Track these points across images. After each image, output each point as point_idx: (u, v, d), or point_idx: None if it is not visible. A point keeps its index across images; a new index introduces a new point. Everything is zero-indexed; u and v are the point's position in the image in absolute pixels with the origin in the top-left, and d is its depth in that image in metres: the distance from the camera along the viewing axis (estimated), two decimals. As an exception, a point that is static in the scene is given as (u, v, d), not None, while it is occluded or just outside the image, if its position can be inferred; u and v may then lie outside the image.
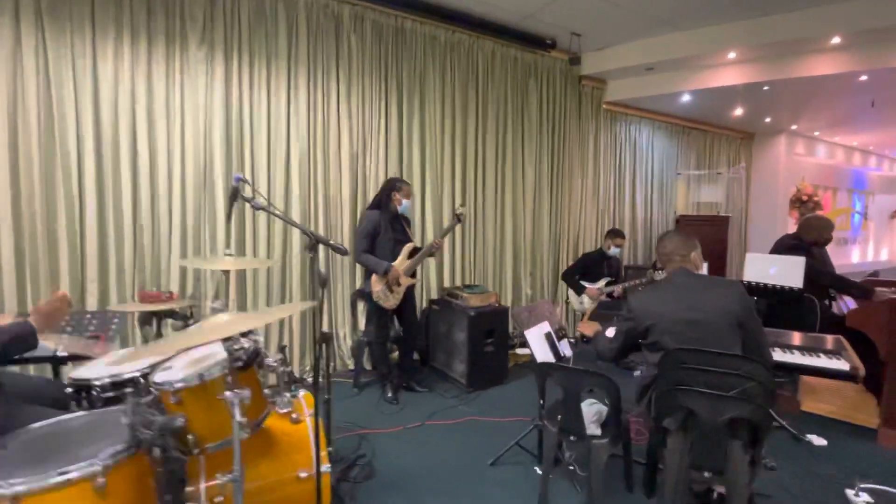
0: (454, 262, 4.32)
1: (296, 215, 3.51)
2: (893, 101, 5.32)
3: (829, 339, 2.29)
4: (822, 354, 2.15)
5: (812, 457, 2.56)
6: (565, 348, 2.46)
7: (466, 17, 4.03)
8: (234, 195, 1.58)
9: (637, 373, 2.49)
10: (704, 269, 2.25)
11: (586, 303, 4.36)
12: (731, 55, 4.45)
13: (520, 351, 4.30)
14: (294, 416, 1.79)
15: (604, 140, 5.49)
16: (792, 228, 7.24)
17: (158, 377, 1.45)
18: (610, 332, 2.67)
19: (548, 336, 2.37)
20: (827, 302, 3.20)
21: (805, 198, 7.55)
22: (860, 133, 7.80)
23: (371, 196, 3.66)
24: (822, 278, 3.10)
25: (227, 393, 1.20)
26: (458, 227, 4.28)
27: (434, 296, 4.12)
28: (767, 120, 6.56)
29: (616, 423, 1.95)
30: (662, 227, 6.37)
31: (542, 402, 2.17)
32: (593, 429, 2.01)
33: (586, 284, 4.38)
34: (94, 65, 2.83)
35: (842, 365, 2.04)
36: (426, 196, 4.11)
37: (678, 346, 1.79)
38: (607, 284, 4.37)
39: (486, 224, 4.53)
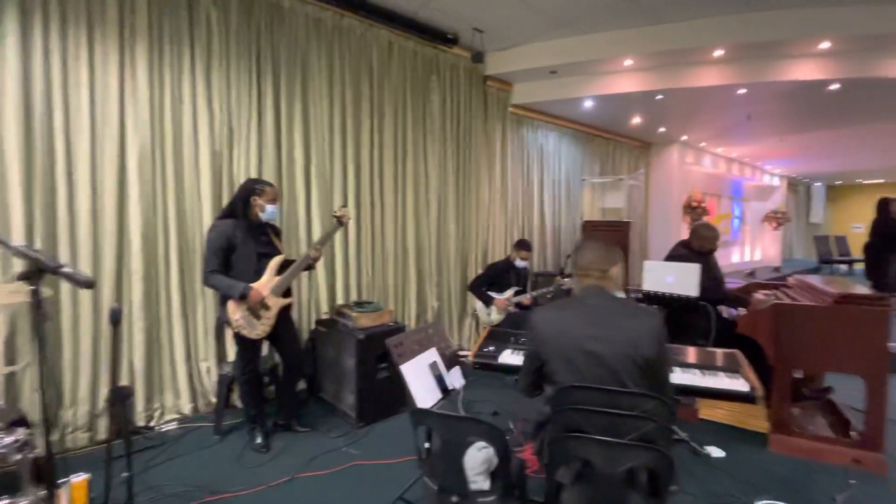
0: (348, 275, 3.82)
1: (135, 226, 2.81)
2: (767, 114, 5.80)
3: (726, 355, 2.19)
4: (721, 374, 2.02)
5: (711, 472, 2.46)
6: (455, 379, 2.11)
7: (356, 0, 3.59)
8: None
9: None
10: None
11: (494, 315, 4.11)
12: (628, 62, 4.49)
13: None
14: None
15: (511, 144, 5.33)
16: (685, 233, 7.77)
17: None
18: (505, 355, 2.39)
19: (433, 367, 1.99)
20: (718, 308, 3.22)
21: (695, 204, 8.13)
22: (738, 145, 8.59)
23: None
24: (704, 293, 3.08)
25: None
26: (353, 236, 3.84)
27: (325, 315, 3.60)
28: (662, 130, 6.91)
29: (505, 476, 1.61)
30: (571, 234, 6.41)
31: (424, 451, 1.78)
32: (481, 481, 1.66)
33: (494, 295, 4.14)
34: None
35: (742, 385, 1.91)
36: (312, 201, 3.58)
37: (574, 383, 1.49)
38: (516, 294, 4.16)
39: (386, 231, 4.10)
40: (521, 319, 3.79)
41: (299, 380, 3.06)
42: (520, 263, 4.21)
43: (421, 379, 1.87)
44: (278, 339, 2.73)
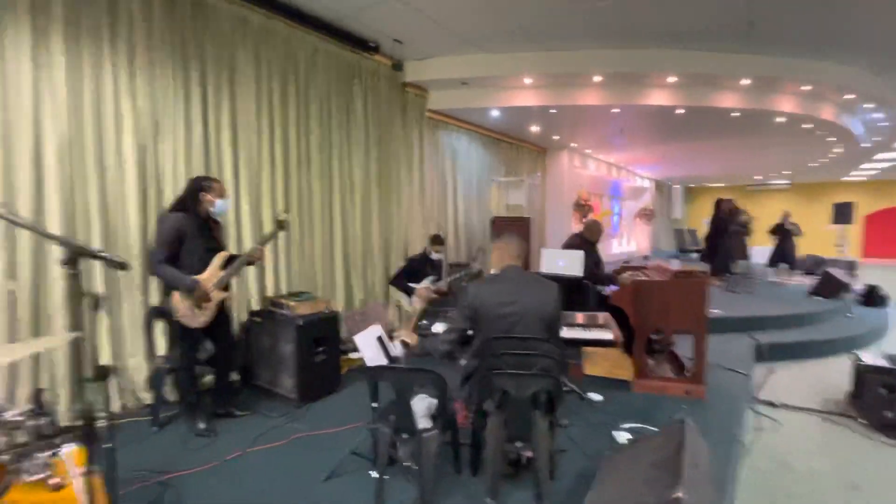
0: (278, 268, 3.98)
1: (53, 218, 2.72)
2: (635, 129, 7.03)
3: (600, 316, 2.89)
4: (595, 329, 2.71)
5: (592, 410, 3.18)
6: (396, 349, 2.51)
7: (281, 3, 3.74)
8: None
9: (462, 361, 2.73)
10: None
11: (416, 303, 4.54)
12: (528, 80, 5.22)
13: (353, 355, 4.22)
14: (54, 480, 1.37)
15: (428, 146, 5.81)
16: (575, 227, 8.95)
17: None
18: (438, 327, 2.86)
19: (379, 339, 2.37)
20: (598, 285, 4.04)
21: (583, 202, 9.38)
22: (614, 152, 10.09)
23: (168, 194, 3.14)
24: (589, 273, 3.88)
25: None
26: (282, 232, 3.99)
27: (256, 307, 3.73)
28: (556, 137, 7.92)
29: (444, 414, 2.06)
30: (481, 228, 7.09)
31: (374, 405, 2.16)
32: (424, 423, 2.09)
33: (414, 285, 4.56)
34: None
35: (609, 335, 2.61)
36: (241, 197, 3.68)
37: (493, 335, 2.00)
38: (433, 283, 4.63)
39: (315, 227, 4.31)
40: (439, 304, 4.27)
41: (233, 368, 3.20)
42: (434, 256, 4.69)
43: (370, 347, 2.25)
44: (215, 330, 2.86)
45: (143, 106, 3.11)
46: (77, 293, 1.15)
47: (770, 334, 5.24)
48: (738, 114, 5.77)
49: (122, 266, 1.25)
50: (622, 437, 2.72)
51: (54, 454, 1.50)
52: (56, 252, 2.70)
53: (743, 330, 5.32)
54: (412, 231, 5.54)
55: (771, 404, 3.68)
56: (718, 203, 7.85)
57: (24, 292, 2.61)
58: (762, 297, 6.83)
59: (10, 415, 1.28)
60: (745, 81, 5.12)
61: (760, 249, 10.98)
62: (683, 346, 4.11)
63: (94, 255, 1.19)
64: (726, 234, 7.64)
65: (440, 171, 6.13)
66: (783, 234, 8.34)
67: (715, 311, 5.35)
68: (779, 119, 6.07)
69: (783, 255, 8.42)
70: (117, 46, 2.97)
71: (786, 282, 8.48)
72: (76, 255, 1.16)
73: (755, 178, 15.70)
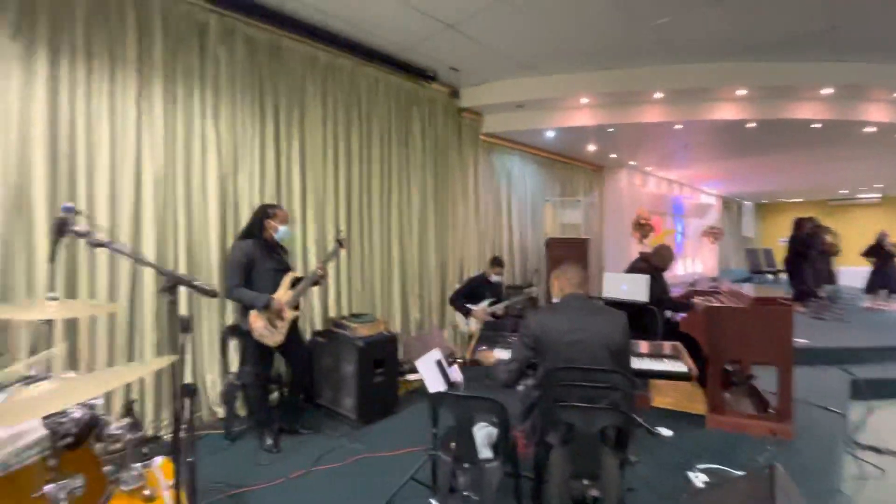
0: (340, 289, 4.14)
1: (149, 244, 3.02)
2: (700, 145, 6.69)
3: (669, 346, 2.72)
4: (665, 360, 2.55)
5: (662, 447, 2.97)
6: (455, 374, 2.49)
7: (346, 41, 3.99)
8: (59, 229, 1.27)
9: (520, 388, 2.65)
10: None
11: (472, 324, 4.51)
12: (584, 100, 5.14)
13: (410, 377, 4.25)
14: (147, 492, 1.48)
15: (482, 169, 5.86)
16: (635, 247, 8.56)
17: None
18: (498, 353, 2.81)
19: (438, 363, 2.37)
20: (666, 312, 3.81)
21: (643, 221, 8.96)
22: (677, 169, 9.61)
23: (244, 221, 3.36)
24: (656, 302, 3.67)
25: (49, 487, 0.93)
26: (344, 253, 4.16)
27: (318, 327, 3.88)
28: (613, 156, 7.70)
29: (506, 444, 2.01)
30: (536, 250, 6.98)
31: (434, 431, 2.15)
32: (486, 452, 2.05)
33: (471, 307, 4.55)
34: None
35: (681, 367, 2.44)
36: (308, 221, 3.89)
37: (558, 366, 1.93)
38: (490, 305, 4.59)
39: (374, 249, 4.45)
40: (496, 327, 4.23)
41: (304, 386, 3.33)
42: (494, 278, 4.66)
43: (430, 372, 2.25)
44: (288, 348, 3.01)
45: (226, 141, 3.40)
46: (174, 318, 1.25)
47: (867, 368, 4.66)
48: (819, 125, 5.32)
49: (213, 294, 1.36)
50: (699, 478, 2.50)
51: (146, 465, 1.62)
52: (147, 277, 3.00)
53: (834, 362, 4.78)
54: (467, 252, 5.56)
55: (875, 449, 3.24)
56: (799, 223, 7.20)
57: (122, 315, 2.90)
58: (855, 326, 6.13)
59: (112, 428, 1.41)
60: (827, 90, 4.73)
61: (852, 270, 9.87)
62: (765, 380, 3.76)
63: (189, 285, 1.30)
64: (809, 255, 6.97)
65: (494, 193, 6.15)
66: (882, 256, 7.49)
67: (800, 341, 4.86)
68: (868, 129, 5.53)
69: (884, 279, 7.56)
70: (205, 88, 3.29)
71: (883, 308, 7.57)
72: (174, 284, 1.26)
73: (840, 192, 14.29)
